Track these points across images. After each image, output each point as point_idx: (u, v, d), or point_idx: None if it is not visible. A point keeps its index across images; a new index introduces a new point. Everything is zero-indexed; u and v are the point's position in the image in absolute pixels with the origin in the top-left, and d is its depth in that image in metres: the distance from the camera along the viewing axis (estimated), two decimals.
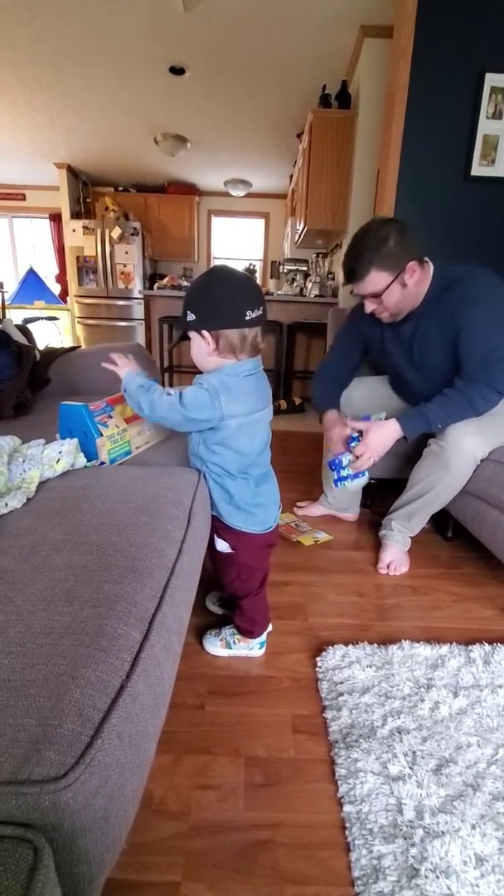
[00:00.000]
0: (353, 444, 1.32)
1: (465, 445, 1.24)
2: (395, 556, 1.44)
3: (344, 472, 1.35)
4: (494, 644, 1.10)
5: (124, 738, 0.39)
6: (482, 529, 1.34)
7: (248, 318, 0.83)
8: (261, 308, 0.84)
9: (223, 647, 1.07)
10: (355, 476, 1.36)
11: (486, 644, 1.10)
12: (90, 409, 0.99)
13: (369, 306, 1.28)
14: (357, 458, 1.31)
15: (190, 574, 0.68)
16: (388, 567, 1.43)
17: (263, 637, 1.08)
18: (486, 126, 2.20)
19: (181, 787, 0.77)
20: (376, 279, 1.19)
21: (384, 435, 1.28)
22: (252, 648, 1.07)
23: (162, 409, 0.89)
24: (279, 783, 0.79)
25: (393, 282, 1.20)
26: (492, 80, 2.14)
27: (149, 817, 0.72)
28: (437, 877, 0.65)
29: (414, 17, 2.07)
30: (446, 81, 2.15)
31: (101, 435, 0.98)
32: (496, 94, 2.16)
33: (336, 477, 1.36)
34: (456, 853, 0.68)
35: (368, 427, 1.29)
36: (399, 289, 1.22)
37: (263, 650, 1.09)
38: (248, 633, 1.06)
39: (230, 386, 0.86)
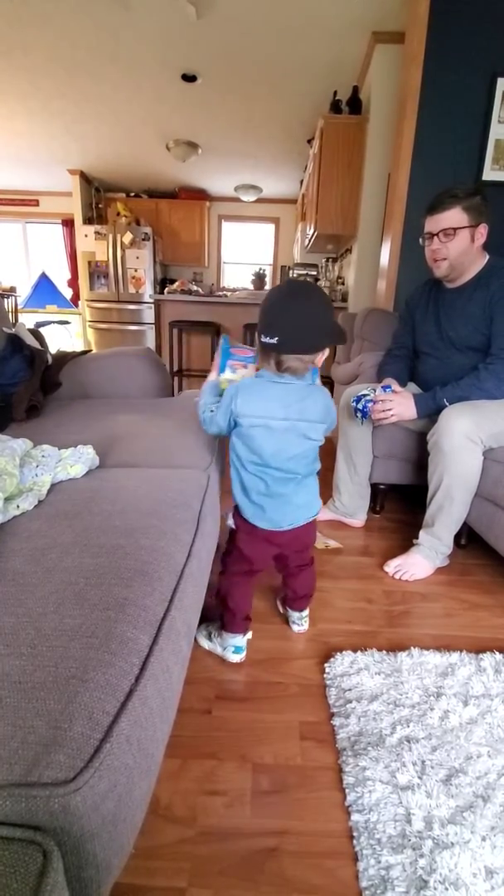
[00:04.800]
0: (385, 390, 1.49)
1: (455, 425, 1.29)
2: (407, 562, 1.43)
3: (360, 405, 1.48)
4: None
5: (133, 742, 0.39)
6: (493, 534, 1.33)
7: (262, 339, 0.88)
8: (275, 339, 0.85)
9: (205, 637, 1.10)
10: (364, 415, 1.49)
11: (498, 653, 1.09)
12: (231, 351, 1.07)
13: (435, 244, 1.38)
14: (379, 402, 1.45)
15: (199, 578, 0.68)
16: (394, 569, 1.43)
17: (240, 642, 1.06)
18: (498, 130, 2.20)
19: (188, 793, 0.77)
20: (457, 217, 1.33)
21: (404, 405, 1.43)
22: (226, 649, 1.06)
23: (199, 408, 1.02)
24: (286, 790, 0.79)
25: (467, 228, 1.33)
26: None
27: (155, 822, 0.72)
28: (447, 889, 0.64)
29: (426, 22, 2.08)
30: (458, 86, 2.15)
31: (223, 373, 1.07)
32: None
33: (360, 415, 1.50)
34: (465, 865, 0.67)
35: (400, 392, 1.47)
36: (468, 239, 1.35)
37: (239, 658, 1.06)
38: (222, 621, 1.06)
39: (253, 388, 0.92)
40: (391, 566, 1.44)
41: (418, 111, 2.17)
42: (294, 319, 0.86)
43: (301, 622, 1.17)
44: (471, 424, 1.28)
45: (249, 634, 1.11)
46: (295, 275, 4.51)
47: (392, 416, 1.43)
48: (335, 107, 3.19)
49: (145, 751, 0.41)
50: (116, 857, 0.37)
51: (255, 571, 1.05)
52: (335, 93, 3.23)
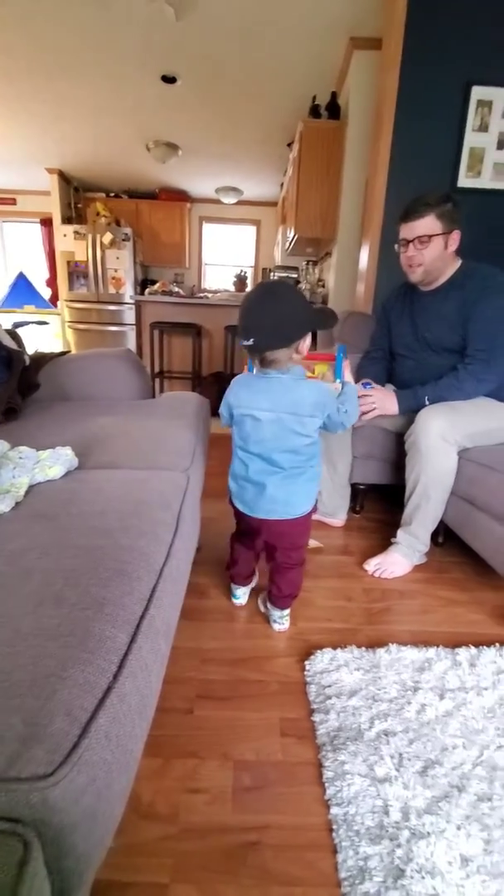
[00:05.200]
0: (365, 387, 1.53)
1: (431, 426, 1.32)
2: (386, 560, 1.46)
3: None
4: (480, 647, 1.12)
5: (111, 738, 0.40)
6: (468, 532, 1.36)
7: (241, 343, 0.96)
8: (250, 340, 0.92)
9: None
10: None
11: (473, 647, 1.12)
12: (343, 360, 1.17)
13: (411, 251, 1.42)
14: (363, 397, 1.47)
15: (178, 578, 0.68)
16: (374, 567, 1.46)
17: (239, 592, 1.28)
18: (472, 139, 2.25)
19: (170, 791, 0.78)
20: (431, 224, 1.36)
21: (386, 399, 1.47)
22: (233, 594, 1.29)
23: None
24: (267, 786, 0.80)
25: (440, 235, 1.37)
26: (478, 93, 2.19)
27: (137, 820, 0.72)
28: (423, 877, 0.66)
29: (402, 30, 2.12)
30: (434, 94, 2.19)
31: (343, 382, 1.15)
32: (483, 107, 2.22)
33: None
34: (441, 854, 0.69)
35: (380, 388, 1.51)
36: (441, 246, 1.39)
37: (238, 602, 1.28)
38: (230, 573, 1.27)
39: (243, 381, 1.03)
40: (371, 565, 1.47)
41: (395, 118, 2.21)
42: (266, 319, 0.92)
43: (281, 621, 1.19)
44: (446, 425, 1.32)
45: (249, 587, 1.30)
46: (276, 277, 4.54)
47: (375, 409, 1.46)
48: (314, 111, 3.23)
49: (124, 747, 0.42)
50: (96, 850, 0.37)
51: (249, 545, 1.19)
52: (314, 97, 3.27)
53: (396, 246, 1.48)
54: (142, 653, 0.49)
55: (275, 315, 0.92)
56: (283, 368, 0.97)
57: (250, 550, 1.21)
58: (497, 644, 1.13)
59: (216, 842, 0.71)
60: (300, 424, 0.98)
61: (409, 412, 1.44)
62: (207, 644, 1.13)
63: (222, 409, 1.06)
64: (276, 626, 1.19)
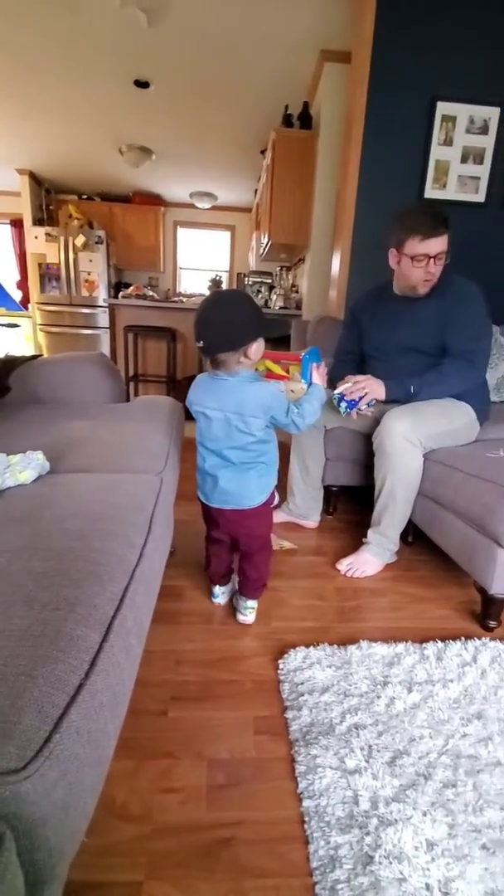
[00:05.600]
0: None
1: (396, 428, 1.37)
2: (357, 560, 1.49)
3: (344, 405, 1.51)
4: (447, 641, 1.16)
5: (83, 734, 0.41)
6: (434, 530, 1.41)
7: (196, 345, 1.03)
8: (200, 342, 1.01)
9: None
10: (351, 404, 1.50)
11: (440, 641, 1.16)
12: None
13: (432, 268, 1.44)
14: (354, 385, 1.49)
15: (150, 578, 0.69)
16: (346, 567, 1.49)
17: (217, 591, 1.30)
18: (437, 152, 2.34)
19: (144, 792, 0.78)
20: (447, 241, 1.43)
21: (375, 384, 1.48)
22: (213, 594, 1.32)
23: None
24: (241, 783, 0.81)
25: (446, 252, 1.44)
26: (443, 108, 2.28)
27: (111, 821, 0.72)
28: (391, 862, 0.68)
29: (370, 44, 2.18)
30: (401, 108, 2.27)
31: (310, 383, 1.20)
32: (447, 122, 2.30)
33: (344, 406, 1.51)
34: (408, 839, 0.71)
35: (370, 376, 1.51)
36: (445, 261, 1.46)
37: (217, 601, 1.30)
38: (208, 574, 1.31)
39: (199, 380, 1.11)
40: (343, 565, 1.50)
41: (364, 130, 2.28)
42: (214, 324, 1.00)
43: (246, 612, 1.22)
44: (410, 427, 1.37)
45: (233, 585, 1.32)
46: (250, 282, 4.59)
47: (366, 392, 1.47)
48: (287, 120, 3.29)
49: (95, 742, 0.43)
50: (68, 843, 0.38)
51: (216, 540, 1.24)
52: (286, 107, 3.33)
53: (412, 260, 1.44)
54: (113, 651, 0.50)
55: (222, 320, 1.00)
56: (232, 371, 1.05)
57: (221, 546, 1.25)
58: (462, 638, 1.17)
59: (190, 839, 0.72)
60: (244, 423, 1.05)
61: (395, 400, 1.48)
62: (182, 646, 1.14)
63: (187, 404, 1.16)
64: (241, 618, 1.23)
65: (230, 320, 1.00)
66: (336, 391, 1.50)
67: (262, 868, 0.69)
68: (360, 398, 1.48)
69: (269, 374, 1.25)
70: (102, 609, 0.53)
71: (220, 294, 1.06)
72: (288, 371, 1.23)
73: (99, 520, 0.71)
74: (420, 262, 1.44)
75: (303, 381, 1.20)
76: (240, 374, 1.05)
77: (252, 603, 1.23)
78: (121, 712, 0.52)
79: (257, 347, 1.04)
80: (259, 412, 1.05)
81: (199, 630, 1.20)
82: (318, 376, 1.21)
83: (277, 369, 1.24)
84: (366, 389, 1.48)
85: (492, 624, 1.24)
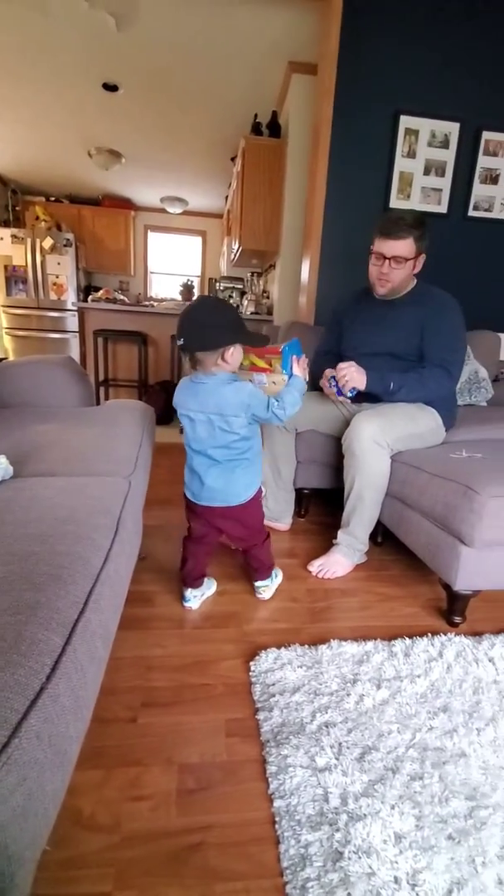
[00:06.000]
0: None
1: (363, 429, 1.41)
2: (328, 561, 1.51)
3: (335, 390, 1.54)
4: (414, 638, 1.19)
5: (44, 739, 0.40)
6: (402, 530, 1.44)
7: (178, 343, 1.07)
8: (181, 340, 1.05)
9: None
10: (343, 392, 1.52)
11: (408, 638, 1.18)
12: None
13: (385, 268, 1.48)
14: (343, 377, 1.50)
15: (117, 581, 0.68)
16: (317, 568, 1.50)
17: (189, 595, 1.30)
18: (401, 164, 2.41)
19: (111, 801, 0.76)
20: (408, 248, 1.45)
21: (357, 373, 1.48)
22: (184, 597, 1.31)
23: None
24: (211, 787, 0.80)
25: (412, 259, 1.47)
26: (405, 121, 2.36)
27: (78, 833, 0.71)
28: (360, 857, 0.69)
29: (336, 58, 2.24)
30: (366, 120, 2.33)
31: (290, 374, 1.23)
32: (410, 135, 2.38)
33: (336, 391, 1.54)
34: (377, 833, 0.72)
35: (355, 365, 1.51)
36: (410, 267, 1.49)
37: (188, 605, 1.30)
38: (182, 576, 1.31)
39: (182, 385, 1.15)
40: (314, 566, 1.52)
41: (331, 141, 2.33)
42: (195, 323, 1.05)
43: (260, 591, 1.35)
44: (377, 429, 1.40)
45: (205, 592, 1.34)
46: (221, 287, 4.60)
47: (347, 380, 1.48)
48: (256, 129, 3.33)
49: (57, 747, 0.42)
50: (29, 850, 0.37)
51: (195, 538, 1.26)
52: (256, 115, 3.37)
53: (370, 256, 1.52)
54: (77, 654, 0.49)
55: (204, 322, 1.05)
56: (209, 372, 1.09)
57: (199, 546, 1.27)
58: (429, 634, 1.20)
59: (159, 847, 0.70)
60: (226, 423, 1.10)
61: (374, 390, 1.50)
62: (153, 652, 1.12)
63: (174, 406, 1.19)
64: (259, 596, 1.36)
65: (210, 322, 1.05)
66: (331, 378, 1.55)
67: (233, 871, 0.68)
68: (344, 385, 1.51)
69: (253, 368, 1.28)
70: (65, 612, 0.52)
71: (205, 298, 1.12)
72: (270, 364, 1.26)
73: (63, 523, 0.70)
74: (377, 260, 1.50)
75: (284, 372, 1.23)
76: (218, 376, 1.09)
77: (264, 582, 1.35)
78: (85, 716, 0.51)
79: (235, 353, 1.09)
80: (239, 411, 1.09)
81: (171, 635, 1.19)
82: (299, 368, 1.24)
83: (261, 363, 1.27)
84: (347, 377, 1.49)
85: (457, 620, 1.27)
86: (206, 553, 1.29)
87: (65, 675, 0.46)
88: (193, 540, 1.27)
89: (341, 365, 1.50)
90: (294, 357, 1.24)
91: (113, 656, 1.07)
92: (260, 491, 1.25)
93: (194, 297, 5.04)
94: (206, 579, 1.34)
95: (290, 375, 1.23)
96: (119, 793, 0.78)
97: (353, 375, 1.49)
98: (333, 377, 1.52)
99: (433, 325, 1.52)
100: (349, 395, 1.52)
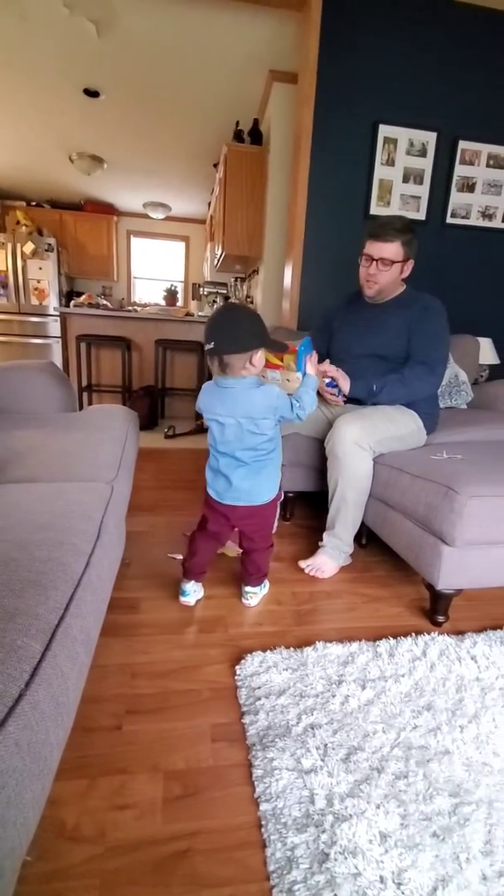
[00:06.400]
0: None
1: (345, 432, 1.43)
2: (316, 561, 1.52)
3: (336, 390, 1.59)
4: (398, 638, 1.20)
5: (23, 746, 0.39)
6: (385, 531, 1.46)
7: (206, 348, 1.10)
8: (212, 343, 1.08)
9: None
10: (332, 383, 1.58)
11: (392, 638, 1.19)
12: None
13: (373, 269, 1.54)
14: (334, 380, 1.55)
15: (99, 587, 0.68)
16: (307, 566, 1.51)
17: (187, 588, 1.32)
18: (381, 172, 2.46)
19: (96, 811, 0.75)
20: (396, 251, 1.50)
21: (343, 381, 1.54)
22: (182, 591, 1.32)
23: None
24: (198, 793, 0.80)
25: (399, 262, 1.52)
26: (384, 130, 2.41)
27: (62, 844, 0.69)
28: (346, 858, 0.69)
29: (315, 67, 2.28)
30: (346, 129, 2.37)
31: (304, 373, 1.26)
32: (389, 143, 2.43)
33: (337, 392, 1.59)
34: (362, 833, 0.73)
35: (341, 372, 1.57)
36: (398, 270, 1.54)
37: (184, 600, 1.31)
38: (184, 568, 1.32)
39: (207, 390, 1.18)
40: (304, 564, 1.53)
41: (312, 149, 2.37)
42: (225, 328, 1.08)
43: (248, 597, 1.34)
44: (359, 432, 1.41)
45: (199, 591, 1.35)
46: (205, 293, 4.61)
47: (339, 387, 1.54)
48: (238, 136, 3.36)
49: (37, 754, 0.41)
50: (9, 860, 0.36)
51: (211, 531, 1.28)
52: (237, 122, 3.40)
53: (360, 258, 1.57)
54: (57, 661, 0.48)
55: (232, 326, 1.09)
56: (238, 376, 1.12)
57: (210, 542, 1.30)
58: (413, 633, 1.22)
59: (145, 855, 0.70)
60: (255, 426, 1.14)
61: (358, 396, 1.55)
62: (138, 658, 1.11)
63: (197, 410, 1.22)
64: (245, 601, 1.34)
65: (239, 326, 1.09)
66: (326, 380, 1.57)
67: (220, 876, 0.68)
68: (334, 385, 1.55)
69: (268, 364, 1.30)
70: (45, 618, 0.51)
71: (230, 305, 1.19)
72: (282, 360, 1.29)
73: (43, 529, 0.69)
74: (366, 262, 1.54)
75: (298, 370, 1.27)
76: (245, 380, 1.13)
77: (253, 589, 1.35)
78: (66, 722, 0.50)
79: (261, 356, 1.13)
80: (268, 413, 1.14)
81: (156, 641, 1.18)
82: (312, 366, 1.28)
83: (273, 359, 1.30)
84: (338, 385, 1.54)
85: (440, 619, 1.29)
86: (213, 549, 1.33)
87: (45, 681, 0.45)
88: (206, 534, 1.29)
89: (328, 368, 1.53)
90: (307, 355, 1.28)
91: (97, 664, 1.07)
92: (280, 492, 1.30)
93: (179, 302, 5.05)
94: (205, 575, 1.37)
95: (304, 374, 1.26)
96: (104, 802, 0.77)
97: (340, 382, 1.53)
98: (333, 381, 1.55)
99: (417, 326, 1.56)
100: (337, 394, 1.56)
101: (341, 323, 1.75)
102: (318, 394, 1.54)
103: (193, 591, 1.32)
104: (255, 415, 1.13)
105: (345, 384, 1.52)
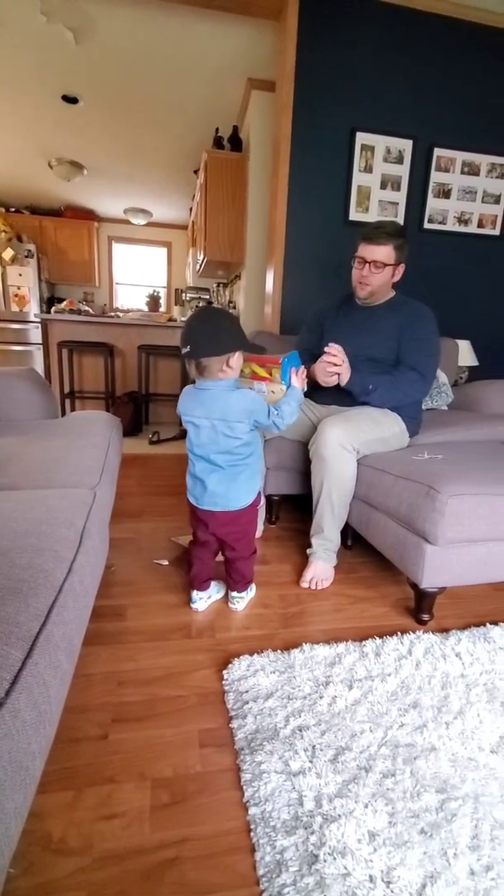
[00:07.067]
0: None
1: (330, 434, 1.44)
2: (316, 572, 1.49)
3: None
4: (384, 637, 1.21)
5: (3, 755, 0.38)
6: (370, 531, 1.47)
7: (182, 352, 1.11)
8: (188, 347, 1.09)
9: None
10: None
11: (378, 638, 1.20)
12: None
13: (365, 271, 1.57)
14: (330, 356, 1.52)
15: (82, 593, 0.67)
16: (309, 582, 1.48)
17: (195, 596, 1.32)
18: (359, 178, 2.49)
19: (83, 822, 0.74)
20: (388, 254, 1.53)
21: (346, 369, 1.53)
22: (191, 599, 1.33)
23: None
24: (186, 799, 0.79)
25: (391, 266, 1.55)
26: (362, 138, 2.44)
27: (48, 857, 0.68)
28: (335, 858, 0.69)
29: (293, 76, 2.31)
30: (324, 137, 2.41)
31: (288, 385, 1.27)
32: (366, 150, 2.47)
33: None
34: (351, 833, 0.73)
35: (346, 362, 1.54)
36: (390, 274, 1.58)
37: (193, 607, 1.32)
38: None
39: (186, 391, 1.18)
40: (305, 580, 1.49)
41: (291, 156, 2.39)
42: (200, 331, 1.09)
43: (234, 601, 1.34)
44: (343, 434, 1.43)
45: (212, 595, 1.36)
46: (188, 298, 4.61)
47: (335, 377, 1.53)
48: (217, 142, 3.38)
49: (18, 763, 0.40)
50: None
51: (201, 542, 1.29)
52: (217, 129, 3.42)
53: (353, 260, 1.60)
54: (38, 668, 0.47)
55: (208, 329, 1.09)
56: (216, 379, 1.13)
57: (205, 550, 1.30)
58: (399, 633, 1.23)
59: (133, 865, 0.69)
60: (229, 429, 1.14)
61: (353, 389, 1.55)
62: (124, 666, 1.10)
63: (178, 414, 1.22)
64: (231, 606, 1.34)
65: (215, 329, 1.09)
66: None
67: (209, 883, 0.67)
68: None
69: (254, 376, 1.31)
70: (26, 626, 0.50)
71: (206, 309, 1.18)
72: (270, 373, 1.29)
73: (24, 536, 0.68)
74: (359, 264, 1.57)
75: (283, 383, 1.27)
76: (222, 382, 1.13)
77: (240, 594, 1.34)
78: (48, 731, 0.49)
79: (238, 358, 1.14)
80: (243, 416, 1.13)
81: (143, 648, 1.17)
82: (297, 379, 1.28)
83: (262, 372, 1.30)
84: (339, 370, 1.52)
85: (425, 617, 1.30)
86: (212, 556, 1.32)
87: (26, 689, 0.44)
88: (198, 545, 1.30)
89: (335, 350, 1.51)
90: (293, 369, 1.28)
91: (83, 673, 1.05)
92: (258, 499, 1.28)
93: (161, 308, 5.04)
94: (213, 583, 1.37)
95: (289, 386, 1.26)
96: (90, 813, 0.76)
97: (342, 373, 1.53)
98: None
99: (409, 332, 1.59)
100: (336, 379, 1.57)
101: (332, 324, 1.77)
102: (310, 379, 1.56)
103: (200, 599, 1.33)
104: (229, 417, 1.13)
105: (345, 373, 1.52)
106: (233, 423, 1.13)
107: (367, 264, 1.55)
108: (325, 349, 1.52)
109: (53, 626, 0.54)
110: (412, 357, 1.59)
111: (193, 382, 1.19)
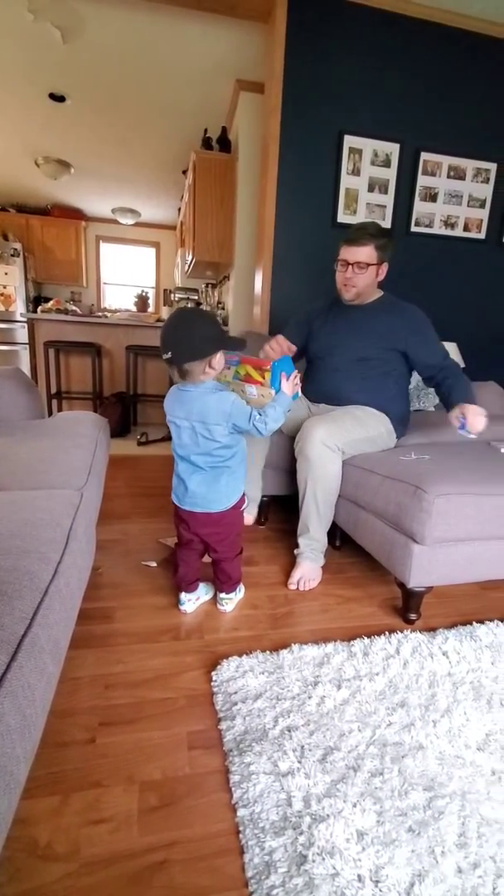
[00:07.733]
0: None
1: (313, 434, 1.45)
2: (304, 573, 1.49)
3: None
4: (372, 637, 1.21)
5: None
6: (358, 532, 1.48)
7: (163, 358, 1.10)
8: (168, 353, 1.08)
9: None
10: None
11: (366, 638, 1.21)
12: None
13: (349, 273, 1.57)
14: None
15: (68, 595, 0.66)
16: (297, 583, 1.48)
17: (183, 598, 1.32)
18: (347, 181, 2.51)
19: (69, 827, 0.73)
20: (369, 254, 1.53)
21: (482, 417, 1.41)
22: (180, 601, 1.33)
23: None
24: (174, 802, 0.79)
25: (374, 265, 1.55)
26: (349, 141, 2.46)
27: (34, 864, 0.67)
28: (324, 858, 0.69)
29: (281, 78, 2.31)
30: (312, 139, 2.42)
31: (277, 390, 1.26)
32: (354, 153, 2.49)
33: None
34: (339, 833, 0.73)
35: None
36: (374, 274, 1.58)
37: (182, 608, 1.32)
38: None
39: (171, 392, 1.19)
40: (293, 581, 1.48)
41: (279, 158, 2.40)
42: (180, 337, 1.08)
43: (223, 603, 1.34)
44: (327, 433, 1.44)
45: (200, 596, 1.36)
46: (176, 298, 4.60)
47: (480, 428, 1.41)
48: (206, 143, 3.38)
49: (2, 768, 0.40)
50: None
51: (184, 542, 1.29)
52: (206, 130, 3.42)
53: (335, 263, 1.60)
54: (24, 672, 0.47)
55: (187, 333, 1.08)
56: (198, 381, 1.12)
57: (190, 552, 1.30)
58: (386, 632, 1.23)
59: (121, 869, 0.68)
60: (208, 431, 1.13)
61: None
62: (112, 669, 1.09)
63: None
64: (220, 608, 1.34)
65: (193, 333, 1.08)
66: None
67: (197, 886, 0.67)
68: None
69: (248, 379, 1.30)
70: (10, 628, 0.50)
71: (182, 312, 1.15)
72: (264, 377, 1.28)
73: (8, 537, 0.67)
74: (342, 267, 1.57)
75: (272, 387, 1.26)
76: (204, 385, 1.13)
77: (228, 595, 1.34)
78: (34, 735, 0.48)
79: (220, 359, 1.13)
80: (221, 419, 1.12)
81: (131, 651, 1.16)
82: (288, 385, 1.27)
83: (256, 375, 1.29)
84: (480, 425, 1.40)
85: (412, 616, 1.31)
86: (197, 557, 1.31)
87: (10, 692, 0.44)
88: (183, 546, 1.30)
89: (275, 343, 1.56)
90: (283, 374, 1.27)
91: (70, 676, 1.04)
92: (241, 501, 1.28)
93: (150, 308, 5.01)
94: (201, 584, 1.36)
95: (278, 391, 1.25)
96: (77, 818, 0.75)
97: (471, 419, 1.40)
98: (463, 423, 1.42)
99: (419, 337, 1.61)
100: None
101: (323, 324, 1.76)
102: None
103: (189, 601, 1.32)
104: (208, 420, 1.13)
105: (479, 421, 1.40)
106: (211, 426, 1.13)
107: (350, 266, 1.56)
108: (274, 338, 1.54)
109: (39, 628, 0.53)
110: (435, 354, 1.62)
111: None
